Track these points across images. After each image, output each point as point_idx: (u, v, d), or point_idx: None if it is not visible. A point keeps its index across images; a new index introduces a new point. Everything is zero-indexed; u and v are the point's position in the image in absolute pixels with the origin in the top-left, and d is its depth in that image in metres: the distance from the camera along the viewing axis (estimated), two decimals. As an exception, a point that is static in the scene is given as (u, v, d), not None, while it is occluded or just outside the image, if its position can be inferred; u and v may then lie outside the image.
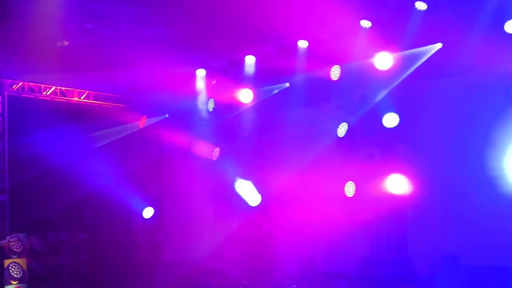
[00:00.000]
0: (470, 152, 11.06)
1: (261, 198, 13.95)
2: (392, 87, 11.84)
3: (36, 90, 14.31)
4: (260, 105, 14.15)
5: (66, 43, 12.70)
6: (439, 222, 11.49)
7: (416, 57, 11.56)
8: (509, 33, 10.17)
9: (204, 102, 14.89)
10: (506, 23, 10.14)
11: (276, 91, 13.97)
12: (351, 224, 12.50)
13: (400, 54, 11.68)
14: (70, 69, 13.91)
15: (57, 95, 14.65)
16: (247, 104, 14.07)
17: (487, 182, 10.72)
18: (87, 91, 15.20)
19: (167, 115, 15.93)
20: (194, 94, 14.93)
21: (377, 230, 12.12)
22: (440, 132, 11.33)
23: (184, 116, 15.38)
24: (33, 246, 14.03)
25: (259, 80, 14.00)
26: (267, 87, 14.08)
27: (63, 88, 14.73)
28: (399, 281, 11.67)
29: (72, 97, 14.94)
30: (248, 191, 13.96)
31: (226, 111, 14.60)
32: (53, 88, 14.53)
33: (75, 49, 12.85)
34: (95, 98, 15.42)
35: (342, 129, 12.53)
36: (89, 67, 13.89)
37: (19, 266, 13.66)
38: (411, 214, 11.82)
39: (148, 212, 15.54)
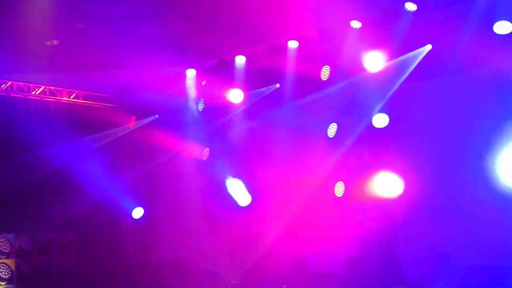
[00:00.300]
0: (460, 152, 11.11)
1: (251, 198, 13.93)
2: (382, 88, 11.89)
3: (25, 89, 14.20)
4: (250, 105, 14.15)
5: (55, 42, 12.65)
6: (428, 222, 11.52)
7: (407, 58, 11.60)
8: (498, 34, 10.25)
9: (194, 102, 14.86)
10: (495, 24, 10.22)
11: (266, 92, 13.97)
12: (341, 224, 12.53)
13: (390, 54, 11.71)
14: (60, 68, 13.86)
15: (46, 95, 14.54)
16: (237, 104, 14.06)
17: (477, 182, 10.78)
18: (77, 91, 15.10)
19: (157, 116, 15.87)
20: (184, 94, 14.92)
21: (367, 230, 12.13)
22: (430, 132, 11.37)
23: (174, 116, 15.34)
24: (22, 246, 13.97)
25: (249, 80, 14.01)
26: (258, 89, 14.06)
27: (52, 87, 14.62)
28: (388, 281, 11.71)
29: (62, 97, 14.84)
30: (238, 191, 13.95)
31: (216, 111, 14.59)
32: (42, 87, 14.41)
33: (65, 48, 12.81)
34: (84, 98, 15.33)
35: (332, 130, 12.55)
36: (79, 66, 13.85)
37: (7, 267, 13.60)
38: (400, 214, 11.85)
39: (138, 213, 15.48)
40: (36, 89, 14.37)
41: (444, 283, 10.96)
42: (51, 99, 14.66)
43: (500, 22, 10.16)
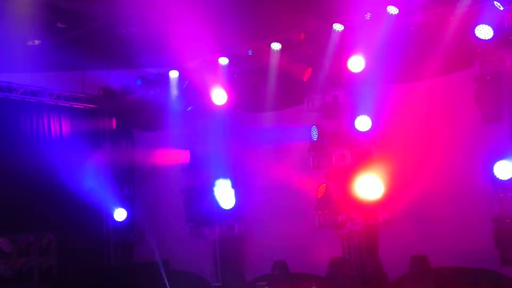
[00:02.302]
0: (440, 154, 11.21)
1: (235, 200, 13.89)
2: (365, 90, 11.98)
3: (6, 89, 14.07)
4: (233, 106, 14.16)
5: (37, 42, 12.57)
6: (408, 224, 11.61)
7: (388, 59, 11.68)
8: (479, 37, 10.37)
9: (177, 103, 14.81)
10: (477, 28, 10.32)
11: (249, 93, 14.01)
12: (323, 226, 12.57)
13: (372, 56, 11.80)
14: (41, 68, 13.76)
15: (27, 95, 14.41)
16: (220, 105, 14.04)
17: (457, 184, 10.90)
18: (58, 91, 15.00)
19: (140, 116, 15.83)
20: (167, 95, 14.90)
21: (348, 231, 12.16)
22: (411, 134, 11.42)
23: (156, 117, 15.32)
24: (2, 248, 13.78)
25: (232, 81, 14.03)
26: (241, 90, 14.08)
27: (33, 87, 14.50)
28: (369, 283, 11.77)
29: (43, 97, 14.72)
30: (221, 194, 13.89)
31: (199, 113, 14.56)
32: (24, 87, 14.29)
33: (47, 48, 12.72)
34: (66, 99, 15.22)
35: (314, 132, 12.57)
36: (60, 67, 13.77)
37: (-14, 269, 13.45)
38: (381, 215, 11.92)
39: (120, 215, 15.36)
40: (18, 90, 14.23)
41: (423, 285, 11.05)
42: (32, 99, 14.53)
43: (481, 25, 10.28)
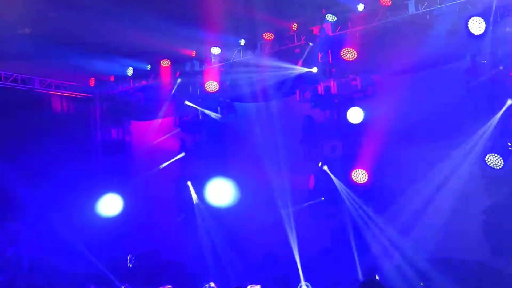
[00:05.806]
0: (432, 146, 11.25)
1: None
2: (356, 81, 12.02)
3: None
4: (226, 97, 14.15)
5: (28, 30, 12.50)
6: (398, 214, 11.67)
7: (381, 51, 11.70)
8: (471, 30, 10.38)
9: (169, 93, 14.77)
10: (470, 20, 10.32)
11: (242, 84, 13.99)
12: (313, 217, 12.61)
13: (364, 48, 11.81)
14: (32, 57, 13.69)
15: (17, 83, 14.33)
16: (212, 94, 14.01)
17: (448, 176, 10.95)
18: (49, 80, 14.91)
19: (131, 105, 15.78)
20: (159, 84, 14.87)
21: (339, 222, 12.21)
22: (404, 126, 11.45)
23: (148, 107, 15.29)
24: (-9, 237, 13.80)
25: (224, 71, 14.02)
26: (233, 80, 14.06)
27: (24, 75, 14.41)
28: (357, 273, 11.83)
29: (34, 85, 14.64)
30: (216, 192, 13.86)
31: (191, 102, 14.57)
32: (14, 75, 14.21)
33: (37, 36, 12.66)
34: (57, 87, 15.15)
35: (306, 123, 12.58)
36: (51, 55, 13.69)
37: (-24, 258, 13.45)
38: (371, 206, 11.98)
39: (111, 204, 15.29)
40: (8, 77, 14.15)
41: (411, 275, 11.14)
42: (23, 87, 14.45)
43: (474, 18, 10.27)
